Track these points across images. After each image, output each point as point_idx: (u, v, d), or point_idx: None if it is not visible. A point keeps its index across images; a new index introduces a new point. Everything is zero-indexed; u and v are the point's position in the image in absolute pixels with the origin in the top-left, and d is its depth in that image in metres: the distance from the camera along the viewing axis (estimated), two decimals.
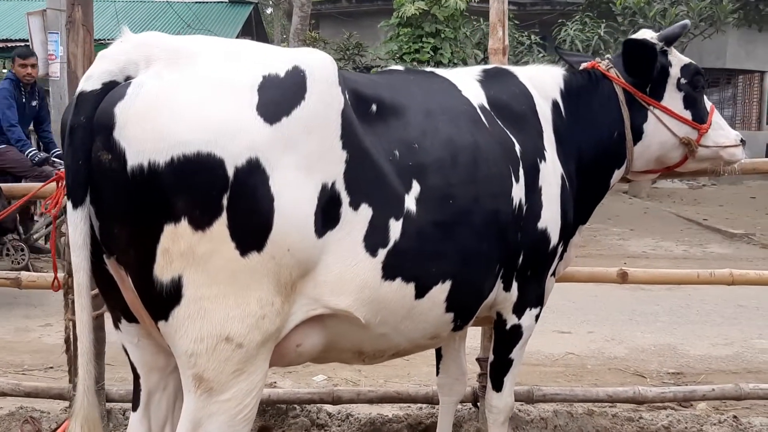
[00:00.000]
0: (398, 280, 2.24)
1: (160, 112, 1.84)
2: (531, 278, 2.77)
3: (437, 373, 3.38)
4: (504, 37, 3.69)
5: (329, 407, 3.99)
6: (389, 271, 2.21)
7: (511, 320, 2.82)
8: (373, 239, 2.16)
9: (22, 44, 14.85)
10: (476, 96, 2.69)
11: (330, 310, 2.15)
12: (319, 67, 2.09)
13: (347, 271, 2.12)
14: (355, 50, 15.97)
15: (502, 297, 2.73)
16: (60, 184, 3.00)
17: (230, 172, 1.87)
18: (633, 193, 16.01)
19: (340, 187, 2.08)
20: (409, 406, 4.12)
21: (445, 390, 3.37)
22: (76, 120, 1.89)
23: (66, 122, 1.93)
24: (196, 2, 20.63)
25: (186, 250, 1.87)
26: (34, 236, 7.93)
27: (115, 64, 1.93)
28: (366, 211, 2.14)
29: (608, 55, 3.24)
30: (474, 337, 3.74)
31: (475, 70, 2.90)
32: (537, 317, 2.89)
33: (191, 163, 1.84)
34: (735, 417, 4.05)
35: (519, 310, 2.80)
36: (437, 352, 3.33)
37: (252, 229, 1.92)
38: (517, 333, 2.84)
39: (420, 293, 2.32)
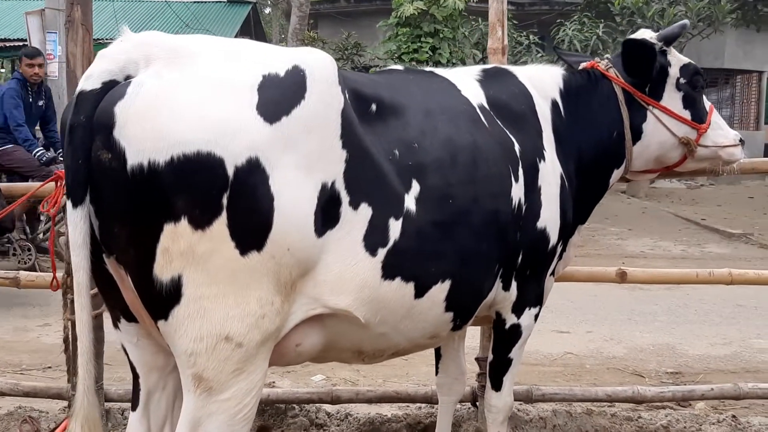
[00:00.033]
0: (398, 279, 2.24)
1: (160, 111, 1.84)
2: (530, 278, 2.77)
3: (436, 373, 3.38)
4: (503, 36, 3.69)
5: (328, 407, 3.99)
6: (389, 271, 2.21)
7: (511, 320, 2.82)
8: (373, 239, 2.16)
9: (20, 44, 14.88)
10: (476, 96, 2.70)
11: (330, 310, 2.15)
12: (319, 66, 2.09)
13: (347, 270, 2.13)
14: (353, 50, 15.98)
15: (502, 296, 2.73)
16: (59, 184, 3.00)
17: (230, 171, 1.87)
18: (631, 193, 16.02)
19: (340, 186, 2.08)
20: (408, 406, 4.12)
21: (444, 389, 3.37)
22: (75, 119, 1.89)
23: (66, 121, 1.93)
24: (195, 2, 20.62)
25: (186, 250, 1.87)
26: (41, 236, 7.92)
27: (115, 64, 1.93)
28: (366, 211, 2.15)
29: (607, 55, 3.24)
30: (473, 336, 3.75)
31: (474, 70, 2.91)
32: (536, 317, 2.89)
33: (191, 162, 1.84)
34: (734, 416, 4.06)
35: (518, 309, 2.80)
36: (436, 352, 3.33)
37: (252, 228, 1.92)
38: (516, 332, 2.84)
39: (419, 293, 2.32)
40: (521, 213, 2.62)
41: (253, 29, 22.56)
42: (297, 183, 1.97)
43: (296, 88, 2.01)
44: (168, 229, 1.87)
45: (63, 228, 2.19)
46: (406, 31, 12.44)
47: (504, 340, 2.87)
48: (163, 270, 1.89)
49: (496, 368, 2.95)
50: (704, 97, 3.15)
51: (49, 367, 5.09)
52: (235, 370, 1.99)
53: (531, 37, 14.31)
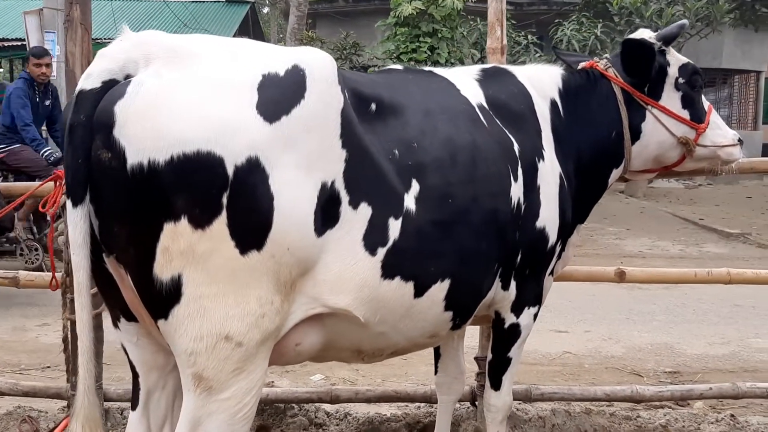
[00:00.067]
0: (397, 278, 2.25)
1: (160, 110, 1.84)
2: (529, 277, 2.77)
3: (435, 372, 3.38)
4: (502, 36, 3.69)
5: (327, 406, 3.99)
6: (388, 270, 2.21)
7: (510, 319, 2.82)
8: (373, 238, 2.16)
9: (19, 43, 14.87)
10: (475, 95, 2.70)
11: (329, 309, 2.15)
12: (319, 66, 2.09)
13: (347, 269, 2.13)
14: (352, 50, 15.95)
15: (501, 296, 2.73)
16: (57, 183, 3.00)
17: (230, 170, 1.87)
18: (629, 193, 16.04)
19: (340, 186, 2.08)
20: (407, 405, 4.12)
21: (444, 389, 3.38)
22: (75, 118, 1.89)
23: (66, 121, 1.93)
24: (193, 1, 20.62)
25: (186, 249, 1.87)
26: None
27: (115, 63, 1.93)
28: (365, 210, 2.15)
29: (606, 55, 3.25)
30: (472, 336, 3.75)
31: (473, 70, 2.91)
32: (535, 316, 2.90)
33: (191, 161, 1.84)
34: (732, 416, 4.07)
35: (517, 308, 2.81)
36: (435, 351, 3.34)
37: (252, 227, 1.92)
38: (515, 332, 2.85)
39: (419, 292, 2.32)
40: (520, 212, 2.62)
41: (251, 29, 22.56)
42: (297, 182, 1.97)
43: (296, 87, 2.01)
44: (168, 228, 1.87)
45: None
46: (405, 31, 12.44)
47: (503, 339, 2.88)
48: (163, 269, 1.89)
49: (495, 367, 2.95)
50: (703, 96, 3.15)
51: (48, 367, 5.09)
52: (235, 369, 1.99)
53: (529, 37, 14.31)
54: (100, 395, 3.56)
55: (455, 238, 2.37)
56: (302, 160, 1.99)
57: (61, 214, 2.89)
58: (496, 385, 2.96)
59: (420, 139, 2.36)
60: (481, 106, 2.66)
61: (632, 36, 3.07)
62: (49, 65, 7.90)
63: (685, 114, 3.05)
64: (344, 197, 2.10)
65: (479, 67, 2.94)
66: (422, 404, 4.02)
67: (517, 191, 2.59)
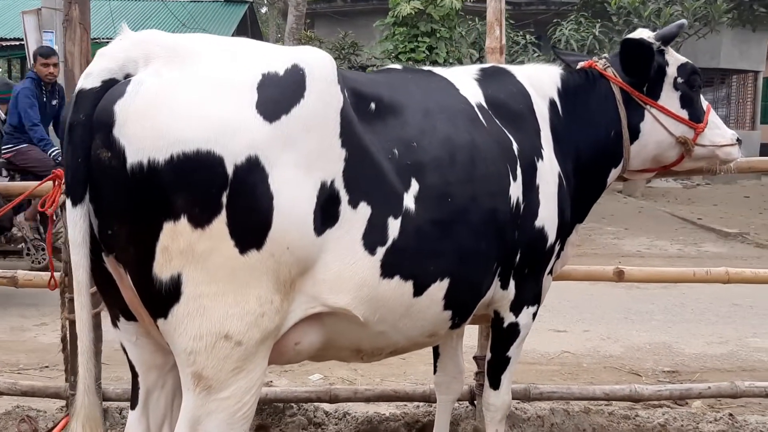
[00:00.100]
0: (397, 278, 2.25)
1: (160, 110, 1.85)
2: (528, 276, 2.78)
3: (434, 372, 3.38)
4: (501, 36, 3.69)
5: (326, 406, 3.99)
6: (388, 269, 2.21)
7: (509, 318, 2.82)
8: (372, 237, 2.17)
9: (17, 43, 14.84)
10: (474, 95, 2.70)
11: (329, 308, 2.15)
12: (319, 65, 2.09)
13: (346, 269, 2.13)
14: (350, 49, 15.95)
15: (500, 295, 2.73)
16: (56, 183, 2.99)
17: (230, 170, 1.87)
18: (627, 193, 16.05)
19: (339, 185, 2.08)
20: (406, 405, 4.12)
21: (443, 388, 3.38)
22: (75, 118, 1.89)
23: (65, 120, 1.93)
24: (191, 1, 20.62)
25: (185, 248, 1.88)
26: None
27: (115, 62, 1.93)
28: (365, 210, 2.15)
29: (605, 55, 3.25)
30: (471, 335, 3.75)
31: (472, 69, 2.91)
32: (534, 315, 2.90)
33: (191, 160, 1.84)
34: (731, 415, 4.08)
35: (516, 308, 2.81)
36: (434, 351, 3.34)
37: (251, 226, 1.92)
38: (514, 331, 2.85)
39: (418, 291, 2.32)
40: (519, 212, 2.62)
41: (249, 28, 22.54)
42: (296, 182, 1.97)
43: (296, 87, 2.01)
44: (167, 227, 1.87)
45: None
46: (403, 31, 12.44)
47: (502, 338, 2.88)
48: (162, 268, 1.89)
49: (494, 367, 2.95)
50: (701, 96, 3.16)
51: (47, 367, 5.08)
52: (235, 368, 1.99)
53: (528, 36, 14.32)
54: (99, 395, 3.56)
55: (454, 237, 2.38)
56: (302, 159, 1.99)
57: (59, 214, 2.89)
58: (495, 384, 2.97)
59: (419, 139, 2.36)
60: (480, 106, 2.66)
61: (631, 36, 3.07)
62: (56, 65, 7.86)
63: (684, 114, 3.06)
64: (344, 196, 2.10)
65: (478, 66, 2.95)
66: (421, 403, 4.03)
67: (516, 191, 2.60)
